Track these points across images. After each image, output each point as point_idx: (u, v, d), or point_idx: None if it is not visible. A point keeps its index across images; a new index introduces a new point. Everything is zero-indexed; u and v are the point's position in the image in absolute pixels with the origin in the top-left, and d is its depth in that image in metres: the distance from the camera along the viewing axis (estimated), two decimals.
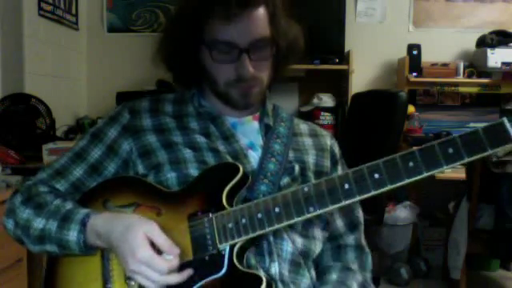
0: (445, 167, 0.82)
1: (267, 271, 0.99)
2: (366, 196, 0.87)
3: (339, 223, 1.15)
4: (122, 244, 0.92)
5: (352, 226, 1.16)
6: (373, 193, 0.87)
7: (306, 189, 0.90)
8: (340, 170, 1.18)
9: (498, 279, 3.26)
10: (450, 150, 0.81)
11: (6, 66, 2.65)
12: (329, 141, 1.19)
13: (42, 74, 2.93)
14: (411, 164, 0.84)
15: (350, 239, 1.15)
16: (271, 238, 1.01)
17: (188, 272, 0.92)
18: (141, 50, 3.54)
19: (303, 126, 1.21)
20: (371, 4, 3.64)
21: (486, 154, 0.79)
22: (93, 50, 3.63)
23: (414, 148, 0.84)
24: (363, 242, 1.17)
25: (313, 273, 1.08)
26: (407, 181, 0.85)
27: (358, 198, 0.88)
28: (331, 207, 0.89)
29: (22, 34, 2.71)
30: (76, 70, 3.50)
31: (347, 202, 0.88)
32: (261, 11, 1.03)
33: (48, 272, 1.06)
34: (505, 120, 0.78)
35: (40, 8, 2.87)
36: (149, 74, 3.36)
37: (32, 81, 2.78)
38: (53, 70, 3.08)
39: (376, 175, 0.86)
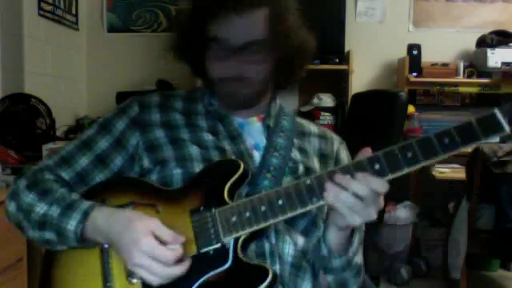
0: (441, 156, 0.84)
1: None
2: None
3: None
4: (123, 236, 0.91)
5: None
6: None
7: (308, 181, 0.91)
8: None
9: (498, 279, 3.26)
10: (446, 140, 0.83)
11: (6, 66, 2.64)
12: (336, 146, 1.19)
13: (41, 73, 2.93)
14: (409, 154, 0.85)
15: None
16: (273, 240, 1.01)
17: (189, 261, 0.91)
18: (141, 50, 3.54)
19: (313, 127, 1.21)
20: (371, 4, 3.64)
21: (479, 142, 0.83)
22: (93, 50, 3.62)
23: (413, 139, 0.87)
24: None
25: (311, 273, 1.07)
26: (406, 170, 0.86)
27: None
28: None
29: (22, 34, 2.71)
30: (76, 70, 3.50)
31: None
32: (260, 14, 1.04)
33: (44, 273, 1.05)
34: (496, 111, 0.81)
35: (40, 8, 2.87)
36: (149, 74, 3.37)
37: (32, 81, 2.78)
38: (53, 70, 3.08)
39: (376, 165, 0.87)
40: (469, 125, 0.82)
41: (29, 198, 1.02)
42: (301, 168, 1.09)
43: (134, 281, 0.95)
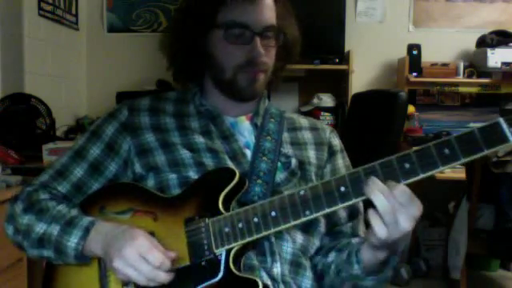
0: (440, 168, 0.81)
1: (269, 272, 0.99)
2: (362, 198, 0.86)
3: (341, 214, 1.13)
4: (120, 237, 0.92)
5: (351, 216, 1.14)
6: None
7: (302, 192, 0.90)
8: (339, 161, 1.17)
9: (498, 279, 3.26)
10: (446, 151, 0.80)
11: (6, 66, 2.64)
12: (328, 134, 1.19)
13: (41, 74, 2.94)
14: (407, 165, 0.83)
15: (347, 227, 1.13)
16: (272, 239, 1.01)
17: (173, 275, 0.91)
18: (141, 50, 3.54)
19: (303, 121, 1.21)
20: (371, 4, 3.64)
21: (482, 154, 0.78)
22: (93, 50, 3.63)
23: (412, 149, 0.83)
24: (359, 231, 1.14)
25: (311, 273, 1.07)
26: (403, 183, 0.84)
27: (354, 201, 0.87)
28: (327, 210, 0.88)
29: (22, 34, 2.71)
30: (76, 70, 3.50)
31: (343, 204, 0.87)
32: (271, 2, 1.08)
33: (46, 279, 1.06)
34: (500, 120, 0.76)
35: (40, 8, 2.87)
36: (149, 74, 3.37)
37: (32, 81, 2.78)
38: (53, 70, 3.08)
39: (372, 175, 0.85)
40: (470, 134, 0.78)
41: (25, 219, 1.02)
42: (293, 162, 1.09)
43: None
